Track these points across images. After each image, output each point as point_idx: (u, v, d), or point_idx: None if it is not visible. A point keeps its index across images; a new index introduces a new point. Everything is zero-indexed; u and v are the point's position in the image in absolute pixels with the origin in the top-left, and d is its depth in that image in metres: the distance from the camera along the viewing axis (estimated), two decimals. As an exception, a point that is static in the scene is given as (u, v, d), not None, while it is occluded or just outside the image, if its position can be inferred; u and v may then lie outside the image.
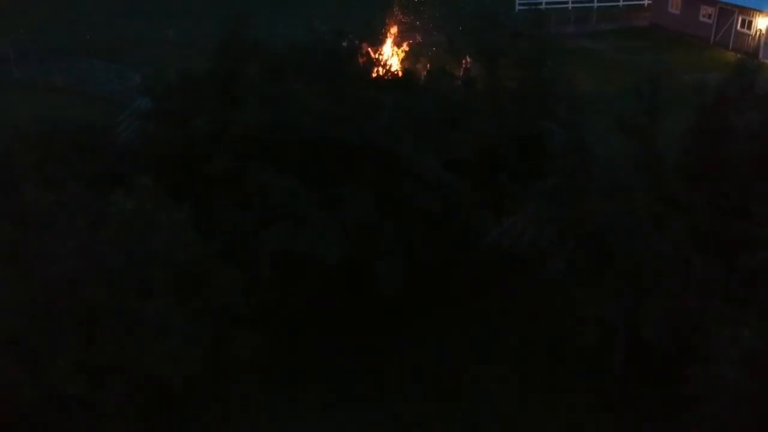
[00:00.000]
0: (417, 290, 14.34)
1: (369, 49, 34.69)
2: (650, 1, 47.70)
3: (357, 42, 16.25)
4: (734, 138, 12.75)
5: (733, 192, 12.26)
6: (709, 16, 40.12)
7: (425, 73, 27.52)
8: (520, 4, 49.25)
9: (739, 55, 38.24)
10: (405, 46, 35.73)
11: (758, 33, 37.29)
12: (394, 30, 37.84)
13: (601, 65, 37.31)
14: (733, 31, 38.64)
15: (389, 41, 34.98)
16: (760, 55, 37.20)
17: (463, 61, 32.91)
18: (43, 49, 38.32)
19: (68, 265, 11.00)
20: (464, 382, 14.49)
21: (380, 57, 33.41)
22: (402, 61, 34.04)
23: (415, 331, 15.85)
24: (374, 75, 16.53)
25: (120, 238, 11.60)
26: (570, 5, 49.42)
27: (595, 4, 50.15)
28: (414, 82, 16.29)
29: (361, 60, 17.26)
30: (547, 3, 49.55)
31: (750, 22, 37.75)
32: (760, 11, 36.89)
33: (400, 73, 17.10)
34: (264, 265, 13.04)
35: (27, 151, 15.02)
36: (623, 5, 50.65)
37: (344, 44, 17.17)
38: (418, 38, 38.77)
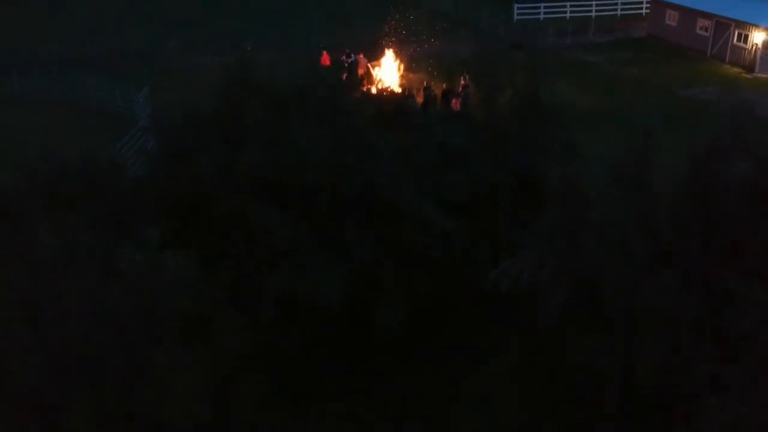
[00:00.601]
0: (417, 325, 14.80)
1: (369, 66, 35.17)
2: (648, 11, 48.00)
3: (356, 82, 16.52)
4: (725, 190, 13.13)
5: (725, 244, 12.65)
6: (706, 29, 40.46)
7: (422, 98, 27.85)
8: (518, 14, 49.55)
9: (735, 69, 38.69)
10: (403, 61, 36.01)
11: (754, 47, 37.65)
12: (393, 41, 38.14)
13: (599, 79, 37.66)
14: (730, 44, 38.99)
15: (389, 54, 35.21)
16: (756, 69, 37.62)
17: (462, 78, 33.33)
18: (44, 60, 38.62)
19: (80, 315, 11.38)
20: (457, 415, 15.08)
21: (378, 83, 33.75)
22: (401, 77, 34.45)
23: (415, 360, 16.35)
24: (374, 109, 16.84)
25: (130, 287, 11.97)
26: (568, 15, 49.70)
27: (593, 14, 50.44)
28: (413, 119, 16.64)
29: (359, 94, 17.64)
30: (545, 13, 49.82)
31: (746, 36, 38.10)
32: (757, 26, 37.24)
33: (400, 106, 17.38)
34: (268, 307, 13.46)
35: (36, 190, 15.38)
36: (621, 14, 50.94)
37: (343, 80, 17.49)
38: (417, 48, 39.02)
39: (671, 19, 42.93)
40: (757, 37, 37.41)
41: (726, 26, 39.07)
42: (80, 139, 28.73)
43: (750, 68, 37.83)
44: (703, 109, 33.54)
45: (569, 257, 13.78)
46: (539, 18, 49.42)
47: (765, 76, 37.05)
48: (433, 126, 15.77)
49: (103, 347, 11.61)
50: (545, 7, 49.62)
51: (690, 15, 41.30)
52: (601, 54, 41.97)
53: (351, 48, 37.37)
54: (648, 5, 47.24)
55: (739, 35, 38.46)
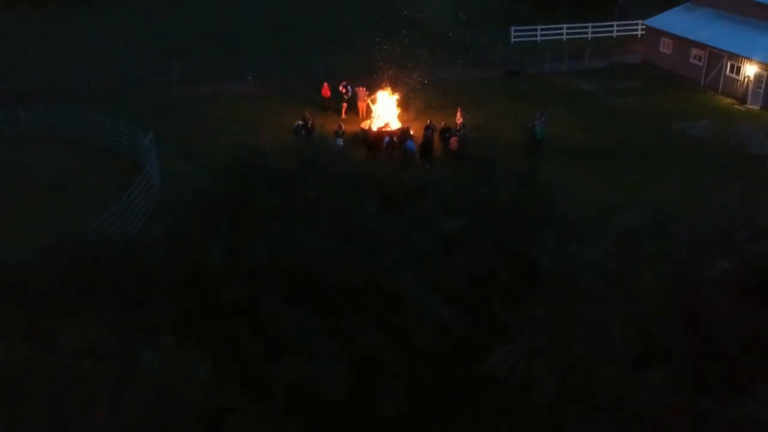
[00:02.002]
0: (417, 411, 15.59)
1: (369, 102, 35.75)
2: (643, 32, 48.62)
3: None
4: (707, 288, 13.88)
5: (710, 343, 13.42)
6: (700, 59, 41.19)
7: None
8: (515, 37, 50.18)
9: (728, 100, 39.42)
10: (400, 93, 36.58)
11: (746, 79, 38.40)
12: (391, 69, 38.73)
13: (594, 111, 38.37)
14: (723, 75, 39.76)
15: (387, 88, 35.77)
16: (749, 101, 38.39)
17: (458, 111, 34.01)
18: (46, 93, 39.16)
19: (103, 423, 12.16)
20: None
21: (377, 119, 34.33)
22: (399, 113, 35.09)
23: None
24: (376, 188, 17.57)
25: (148, 390, 12.75)
26: (564, 37, 50.34)
27: (589, 36, 51.10)
28: (414, 196, 17.38)
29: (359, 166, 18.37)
30: (541, 34, 50.42)
31: (738, 68, 38.83)
32: (749, 59, 37.95)
33: (401, 183, 18.11)
34: (278, 397, 14.25)
35: (51, 276, 16.09)
36: (617, 35, 51.60)
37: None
38: (415, 76, 39.61)
39: (666, 47, 43.63)
40: (749, 70, 38.15)
41: (719, 57, 39.81)
42: (88, 180, 29.64)
43: (742, 99, 38.60)
44: (696, 144, 34.45)
45: (562, 347, 14.55)
46: (536, 40, 50.07)
47: (757, 107, 37.84)
48: (434, 211, 16.46)
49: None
50: (542, 30, 50.26)
51: (684, 44, 42.00)
52: (596, 82, 42.66)
53: (349, 79, 38.02)
54: (644, 27, 47.88)
55: (732, 66, 39.21)
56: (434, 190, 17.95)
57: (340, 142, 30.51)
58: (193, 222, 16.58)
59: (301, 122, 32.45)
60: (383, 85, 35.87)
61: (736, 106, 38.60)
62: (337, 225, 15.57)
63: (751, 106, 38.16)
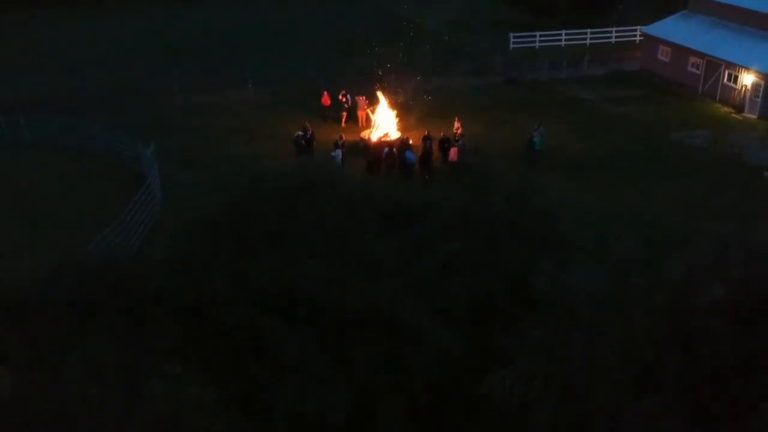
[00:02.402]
0: (417, 430, 15.85)
1: (369, 111, 35.96)
2: (641, 38, 48.83)
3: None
4: (701, 313, 14.13)
5: (706, 369, 13.68)
6: (697, 67, 41.39)
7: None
8: (514, 43, 50.36)
9: (725, 108, 39.63)
10: (399, 102, 36.85)
11: (743, 88, 38.60)
12: (390, 77, 38.97)
13: (592, 120, 38.59)
14: (720, 83, 39.96)
15: (387, 96, 36.03)
16: (746, 110, 38.59)
17: (456, 120, 34.18)
18: (46, 101, 39.36)
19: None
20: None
21: (377, 129, 34.49)
22: (398, 122, 35.31)
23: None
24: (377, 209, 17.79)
25: (153, 417, 12.99)
26: (563, 43, 50.55)
27: (588, 42, 51.28)
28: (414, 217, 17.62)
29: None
30: (540, 41, 50.61)
31: (736, 77, 39.04)
32: (746, 68, 38.15)
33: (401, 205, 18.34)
34: (280, 423, 14.51)
35: (57, 299, 16.33)
36: (615, 41, 51.79)
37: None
38: (415, 84, 39.81)
39: (664, 54, 43.82)
40: (746, 79, 38.36)
41: (716, 66, 40.01)
42: (89, 192, 29.86)
43: (739, 108, 38.82)
44: (693, 154, 34.67)
45: (558, 371, 14.81)
46: (535, 47, 50.28)
47: (754, 116, 38.05)
48: (434, 233, 16.69)
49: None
50: (541, 35, 50.46)
51: (682, 52, 42.20)
52: (594, 90, 42.87)
53: (348, 87, 38.21)
54: (642, 34, 48.10)
55: (729, 75, 39.42)
56: (434, 210, 18.15)
57: (339, 154, 30.69)
58: (194, 244, 16.80)
59: (301, 133, 32.67)
60: (382, 93, 36.07)
61: (733, 114, 38.82)
62: (338, 250, 15.79)
63: (748, 115, 38.38)
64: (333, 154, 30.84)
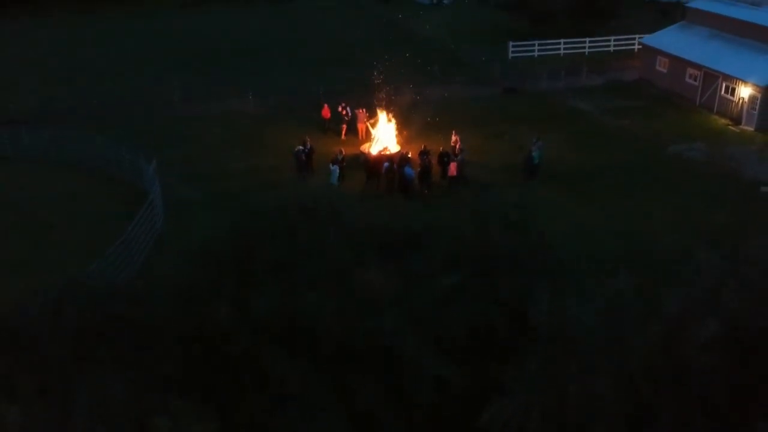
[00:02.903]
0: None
1: (368, 125, 36.14)
2: (640, 47, 49.05)
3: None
4: (697, 348, 14.37)
5: (701, 402, 13.93)
6: (695, 78, 41.59)
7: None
8: (513, 52, 50.56)
9: (723, 120, 39.86)
10: (398, 114, 37.00)
11: (741, 101, 38.82)
12: (389, 88, 39.12)
13: (590, 132, 38.78)
14: (718, 95, 40.17)
15: (386, 111, 36.15)
16: (743, 122, 38.82)
17: (453, 134, 34.34)
18: (46, 113, 39.52)
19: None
20: None
21: (376, 142, 34.63)
22: (398, 136, 35.49)
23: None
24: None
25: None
26: (562, 52, 50.75)
27: (587, 50, 51.48)
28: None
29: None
30: (539, 50, 50.81)
31: (733, 89, 39.25)
32: (744, 81, 38.37)
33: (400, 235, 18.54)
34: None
35: (61, 327, 16.53)
36: (614, 50, 52.00)
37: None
38: (414, 95, 40.01)
39: (662, 65, 44.03)
40: (743, 92, 38.57)
41: (714, 78, 40.23)
42: (90, 208, 30.00)
43: (737, 120, 39.04)
44: (691, 168, 34.89)
45: (554, 402, 15.05)
46: (534, 56, 50.47)
47: (751, 129, 38.28)
48: (433, 263, 16.90)
49: None
50: (539, 45, 50.66)
51: (680, 63, 42.41)
52: (593, 100, 43.03)
53: (347, 99, 38.40)
54: (640, 44, 48.32)
55: (727, 87, 39.63)
56: (434, 237, 18.34)
57: (336, 170, 30.97)
58: (197, 273, 17.00)
59: (301, 147, 32.88)
60: (382, 106, 36.23)
61: (730, 127, 39.03)
62: (338, 282, 16.00)
63: (745, 128, 38.61)
64: (331, 168, 31.13)
